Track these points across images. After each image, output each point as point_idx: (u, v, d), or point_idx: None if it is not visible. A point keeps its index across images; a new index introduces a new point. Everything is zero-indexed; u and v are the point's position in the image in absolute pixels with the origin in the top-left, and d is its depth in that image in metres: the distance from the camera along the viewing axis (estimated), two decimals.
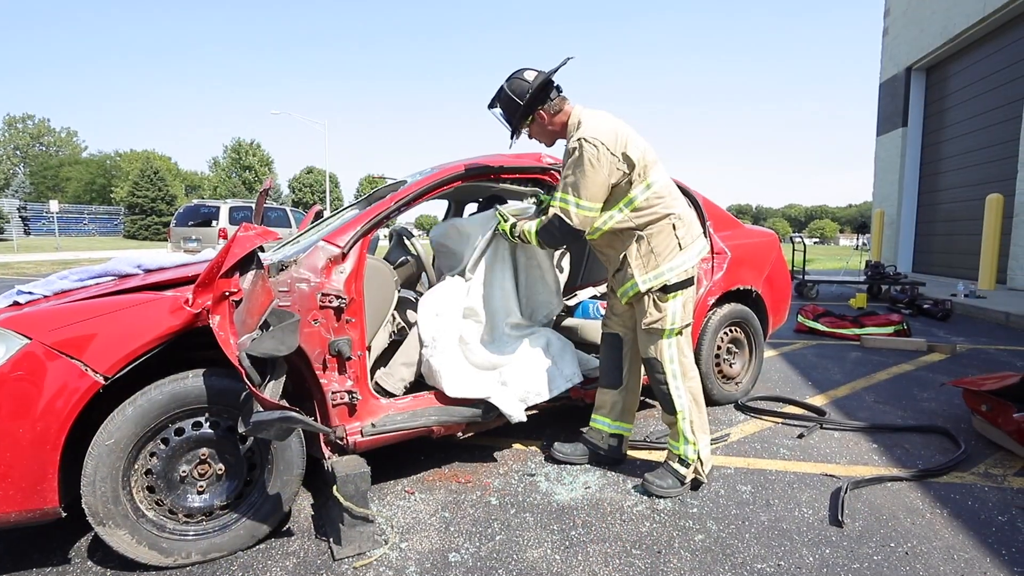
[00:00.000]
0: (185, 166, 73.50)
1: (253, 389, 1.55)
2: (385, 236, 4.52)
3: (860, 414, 3.07)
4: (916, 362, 4.30)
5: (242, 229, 1.82)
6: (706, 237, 3.03)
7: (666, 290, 2.11)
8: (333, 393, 2.04)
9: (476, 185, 2.69)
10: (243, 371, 1.58)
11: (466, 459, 2.54)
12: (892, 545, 1.82)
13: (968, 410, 2.83)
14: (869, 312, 5.78)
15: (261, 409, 1.57)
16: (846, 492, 2.11)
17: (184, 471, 1.75)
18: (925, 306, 6.56)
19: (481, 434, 2.64)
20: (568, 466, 2.44)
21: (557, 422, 2.93)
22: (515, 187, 2.70)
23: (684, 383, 2.17)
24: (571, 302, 3.15)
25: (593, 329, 2.99)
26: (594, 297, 3.22)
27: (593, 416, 2.45)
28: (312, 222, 3.47)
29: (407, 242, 2.67)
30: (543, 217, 2.16)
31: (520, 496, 2.19)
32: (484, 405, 2.33)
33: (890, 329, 5.15)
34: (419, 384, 2.45)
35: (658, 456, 2.53)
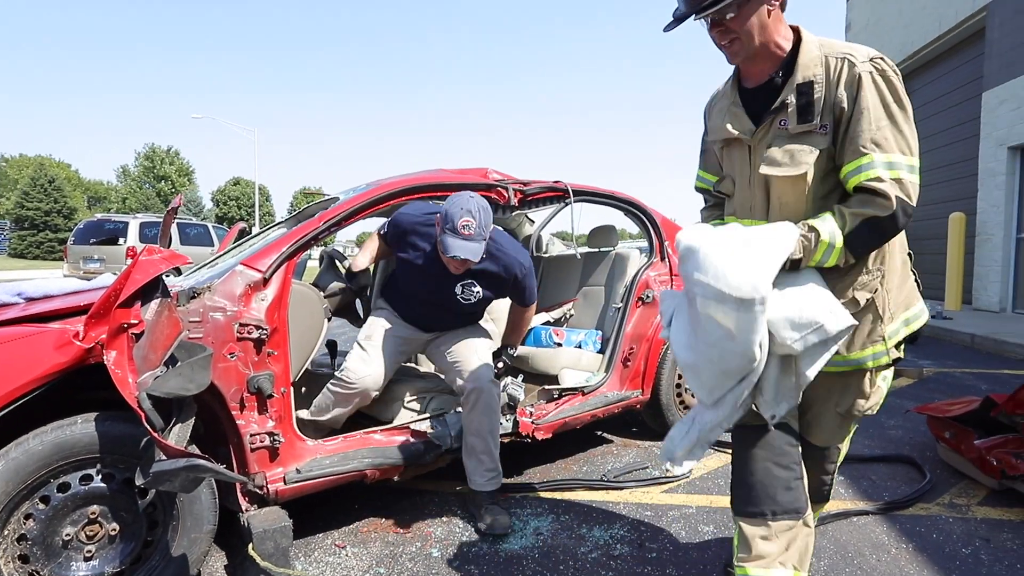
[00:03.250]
0: (88, 175, 70.52)
1: (155, 435, 1.50)
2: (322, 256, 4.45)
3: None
4: None
5: (145, 252, 1.77)
6: (664, 259, 3.14)
7: (899, 348, 1.50)
8: (252, 436, 1.98)
9: (419, 202, 2.70)
10: (143, 414, 1.52)
11: (405, 505, 2.50)
12: None
13: (933, 437, 3.00)
14: None
15: (164, 457, 1.52)
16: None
17: (68, 534, 1.65)
18: None
19: (422, 477, 2.61)
20: (518, 510, 2.44)
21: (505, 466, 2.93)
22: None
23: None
24: None
25: (545, 357, 3.03)
26: (547, 323, 3.27)
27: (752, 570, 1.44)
28: (234, 241, 3.40)
29: (339, 265, 2.65)
30: (852, 210, 1.33)
31: (465, 547, 2.17)
32: (424, 443, 2.31)
33: None
34: (351, 423, 2.42)
35: (615, 497, 2.56)
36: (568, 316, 3.42)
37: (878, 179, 1.30)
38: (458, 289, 2.41)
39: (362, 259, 2.62)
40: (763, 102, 1.46)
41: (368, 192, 2.41)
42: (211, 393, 1.90)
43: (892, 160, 1.31)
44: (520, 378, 2.64)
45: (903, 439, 3.28)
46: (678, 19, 1.40)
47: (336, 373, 2.43)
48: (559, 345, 3.09)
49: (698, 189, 1.84)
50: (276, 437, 2.01)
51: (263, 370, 2.00)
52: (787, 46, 1.43)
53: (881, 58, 1.36)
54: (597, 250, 3.50)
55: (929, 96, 11.03)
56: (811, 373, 1.34)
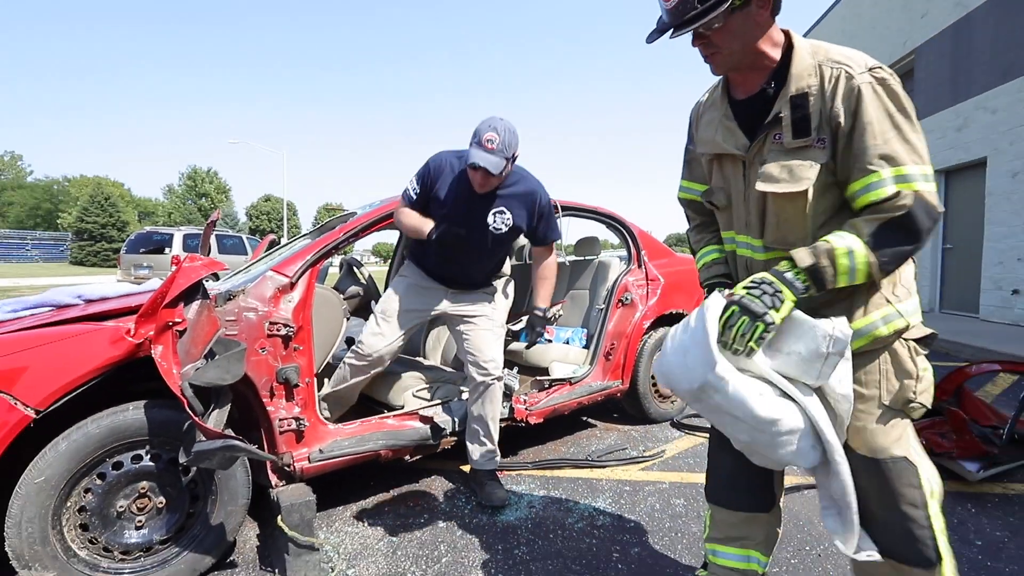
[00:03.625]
0: (139, 192, 70.23)
1: (195, 419, 1.49)
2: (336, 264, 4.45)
3: None
4: None
5: (188, 260, 1.77)
6: (641, 266, 3.15)
7: (923, 342, 1.22)
8: (280, 420, 1.98)
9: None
10: (185, 401, 1.52)
11: (415, 483, 2.49)
12: (807, 548, 1.90)
13: None
14: None
15: (204, 439, 1.51)
16: None
17: (122, 506, 1.64)
18: None
19: (429, 457, 2.61)
20: (513, 487, 2.43)
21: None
22: None
23: (938, 505, 1.19)
24: (516, 327, 3.17)
25: (537, 352, 3.03)
26: None
27: (722, 548, 1.44)
28: (265, 251, 3.39)
29: (356, 271, 2.65)
30: (865, 218, 1.11)
31: (467, 518, 2.16)
32: (432, 427, 2.31)
33: None
34: (366, 409, 2.41)
35: (598, 475, 2.56)
36: (557, 316, 3.40)
37: (892, 196, 1.07)
38: (490, 218, 2.20)
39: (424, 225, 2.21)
40: (756, 115, 1.22)
41: (381, 208, 2.41)
42: (245, 383, 1.89)
43: (906, 173, 1.08)
44: (515, 370, 2.63)
45: None
46: (661, 30, 1.18)
47: (353, 346, 2.34)
48: (549, 341, 3.09)
49: (682, 201, 1.55)
50: (302, 421, 2.01)
51: (290, 363, 1.99)
52: (777, 55, 1.19)
53: (880, 67, 1.13)
54: (582, 258, 3.51)
55: None
56: (847, 390, 1.12)
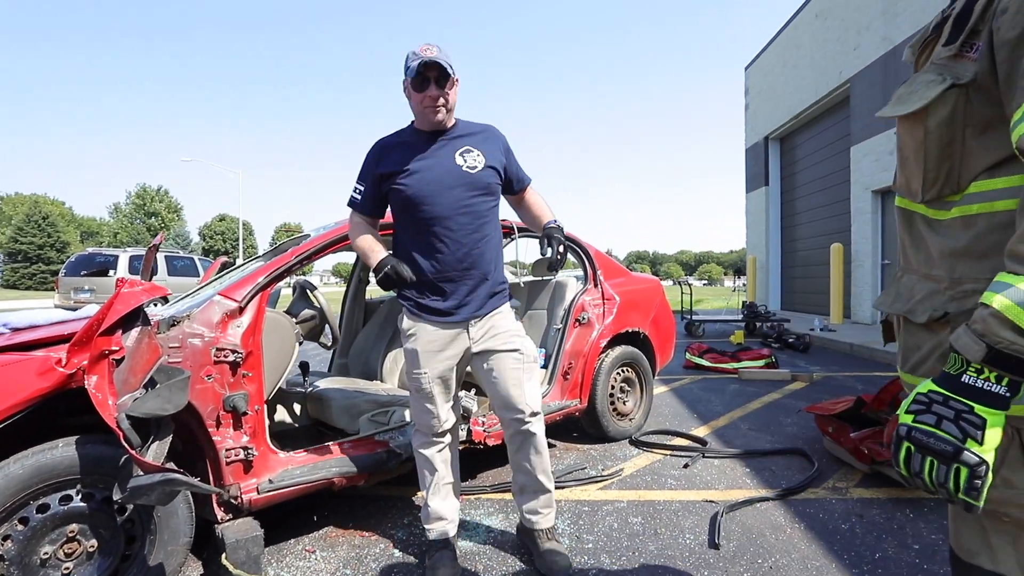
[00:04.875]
0: (82, 211, 66.87)
1: (132, 452, 1.42)
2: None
3: (736, 441, 3.30)
4: (783, 391, 4.71)
5: (127, 284, 1.70)
6: (597, 286, 3.20)
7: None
8: (227, 450, 1.90)
9: (382, 239, 2.69)
10: (121, 433, 1.44)
11: (371, 510, 2.43)
12: (759, 561, 1.95)
13: (820, 432, 3.13)
14: (745, 347, 6.29)
15: (141, 473, 1.44)
16: (722, 516, 2.24)
17: (46, 553, 1.53)
18: (790, 340, 7.24)
19: (386, 483, 2.56)
20: (472, 511, 2.41)
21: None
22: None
23: None
24: None
25: None
26: None
27: None
28: (217, 273, 3.29)
29: (310, 294, 2.60)
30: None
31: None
32: (387, 452, 2.26)
33: (762, 362, 5.62)
34: (319, 436, 2.35)
35: (557, 495, 2.56)
36: None
37: None
38: (459, 159, 1.86)
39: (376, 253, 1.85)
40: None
41: (335, 230, 2.38)
42: (189, 412, 1.82)
43: None
44: (472, 392, 2.63)
45: (797, 434, 3.41)
46: None
47: (413, 432, 2.00)
48: None
49: None
50: (250, 451, 1.94)
51: (238, 390, 1.93)
52: None
53: None
54: (540, 279, 3.55)
55: (812, 148, 11.74)
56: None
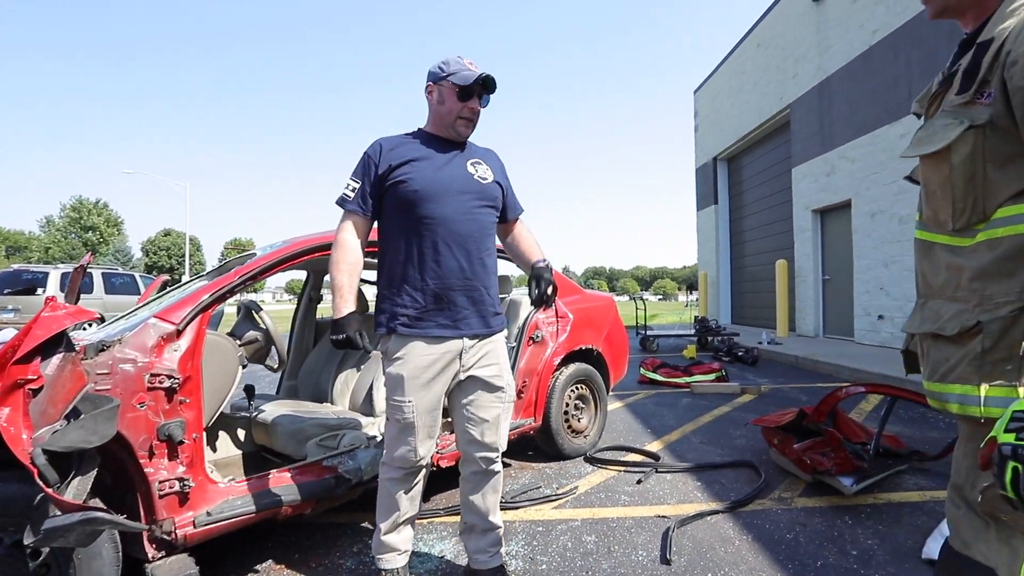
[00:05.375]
0: (8, 225, 62.62)
1: (48, 490, 1.32)
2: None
3: (688, 455, 3.37)
4: (732, 404, 4.85)
5: (49, 307, 1.59)
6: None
7: None
8: (160, 482, 1.79)
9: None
10: (35, 470, 1.34)
11: (318, 539, 2.34)
12: (709, 575, 1.98)
13: (766, 443, 3.23)
14: (697, 362, 6.47)
15: (59, 513, 1.33)
16: (673, 531, 2.28)
17: None
18: (739, 353, 7.49)
19: (335, 511, 2.47)
20: (425, 535, 2.35)
21: None
22: (369, 259, 2.68)
23: None
24: None
25: None
26: None
27: None
28: (157, 292, 3.13)
29: (255, 315, 2.51)
30: None
31: (375, 574, 2.05)
32: (335, 478, 2.19)
33: (713, 376, 5.78)
34: (263, 462, 2.25)
35: (512, 516, 2.53)
36: None
37: None
38: (470, 168, 1.81)
39: (347, 301, 1.72)
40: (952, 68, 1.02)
41: (283, 249, 2.32)
42: (118, 443, 1.71)
43: None
44: None
45: (746, 446, 3.51)
46: None
47: (383, 460, 1.84)
48: None
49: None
50: (186, 482, 1.83)
51: (174, 417, 1.83)
52: None
53: None
54: None
55: (756, 169, 12.32)
56: None
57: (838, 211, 9.00)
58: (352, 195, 1.76)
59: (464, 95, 1.74)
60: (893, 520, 2.38)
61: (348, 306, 1.70)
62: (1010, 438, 0.77)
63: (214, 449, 2.66)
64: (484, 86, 1.77)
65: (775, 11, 10.72)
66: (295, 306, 3.76)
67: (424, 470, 1.88)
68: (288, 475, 2.12)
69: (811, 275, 9.57)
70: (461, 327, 1.75)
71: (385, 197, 1.76)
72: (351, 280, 1.73)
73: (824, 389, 5.40)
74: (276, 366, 2.62)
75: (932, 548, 2.05)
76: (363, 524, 2.47)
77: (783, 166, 10.83)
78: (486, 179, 1.83)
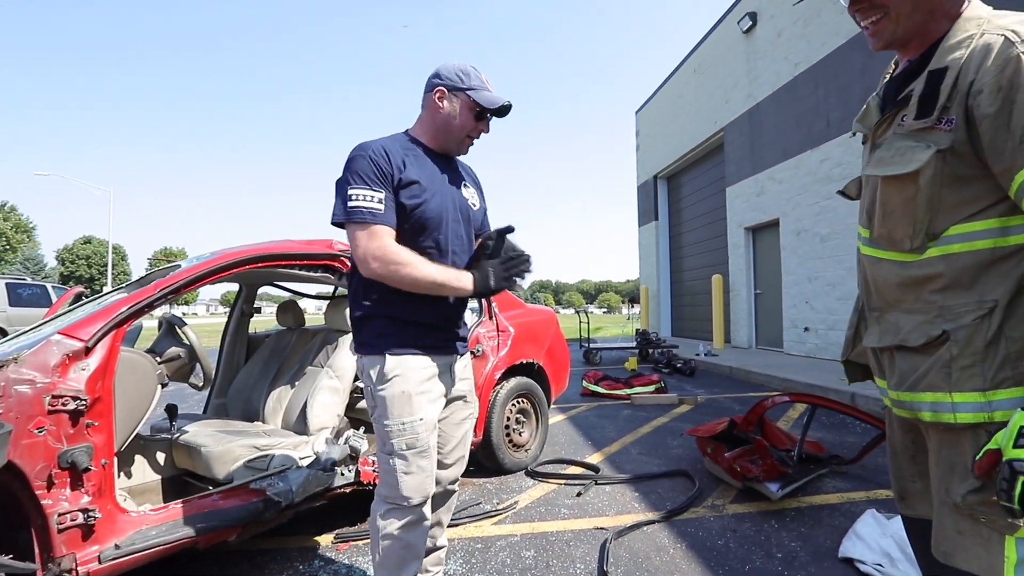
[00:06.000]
0: None
1: None
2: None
3: (627, 466, 3.44)
4: (671, 414, 5.01)
5: None
6: (492, 317, 3.24)
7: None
8: (61, 515, 1.64)
9: (267, 270, 2.53)
10: None
11: (244, 568, 2.21)
12: None
13: (701, 452, 3.35)
14: (638, 374, 6.64)
15: None
16: (611, 542, 2.31)
17: None
18: (678, 365, 7.75)
19: (263, 536, 2.35)
20: (359, 558, 2.27)
21: (349, 515, 2.74)
22: (304, 272, 2.61)
23: None
24: None
25: None
26: None
27: None
28: (68, 306, 2.90)
29: (178, 330, 2.37)
30: None
31: None
32: (264, 501, 2.08)
33: (652, 387, 5.95)
34: (185, 487, 2.12)
35: (450, 534, 2.49)
36: None
37: None
38: (465, 193, 1.71)
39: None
40: (898, 93, 1.06)
41: (211, 261, 2.21)
42: (10, 472, 1.56)
43: None
44: (362, 430, 2.52)
45: (682, 456, 3.62)
46: None
47: (383, 512, 1.57)
48: None
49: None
50: (91, 513, 1.69)
51: (80, 443, 1.69)
52: (945, 27, 1.00)
53: None
54: None
55: (694, 188, 12.90)
56: None
57: (767, 229, 9.55)
58: (382, 207, 1.49)
59: (479, 115, 1.64)
60: (814, 522, 2.52)
61: (465, 274, 1.56)
62: (1020, 453, 0.80)
63: (129, 475, 2.48)
64: (498, 112, 1.66)
65: (710, 40, 11.35)
66: (226, 319, 3.59)
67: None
68: (211, 500, 2.00)
69: (744, 289, 10.08)
70: (456, 346, 1.70)
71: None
72: (444, 268, 1.55)
73: (755, 398, 5.67)
74: (201, 384, 2.48)
75: (847, 547, 2.19)
76: (292, 548, 2.36)
77: (718, 185, 11.41)
78: (476, 206, 1.77)
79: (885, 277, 1.06)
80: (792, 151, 8.58)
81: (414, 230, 1.56)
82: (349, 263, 2.58)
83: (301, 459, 2.38)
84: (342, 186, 1.51)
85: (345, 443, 2.38)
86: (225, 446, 2.31)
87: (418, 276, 1.47)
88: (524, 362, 3.32)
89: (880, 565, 2.03)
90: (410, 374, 1.54)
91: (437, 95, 1.62)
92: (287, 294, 3.74)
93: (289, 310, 3.36)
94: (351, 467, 2.37)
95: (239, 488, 2.10)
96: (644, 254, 15.25)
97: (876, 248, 1.08)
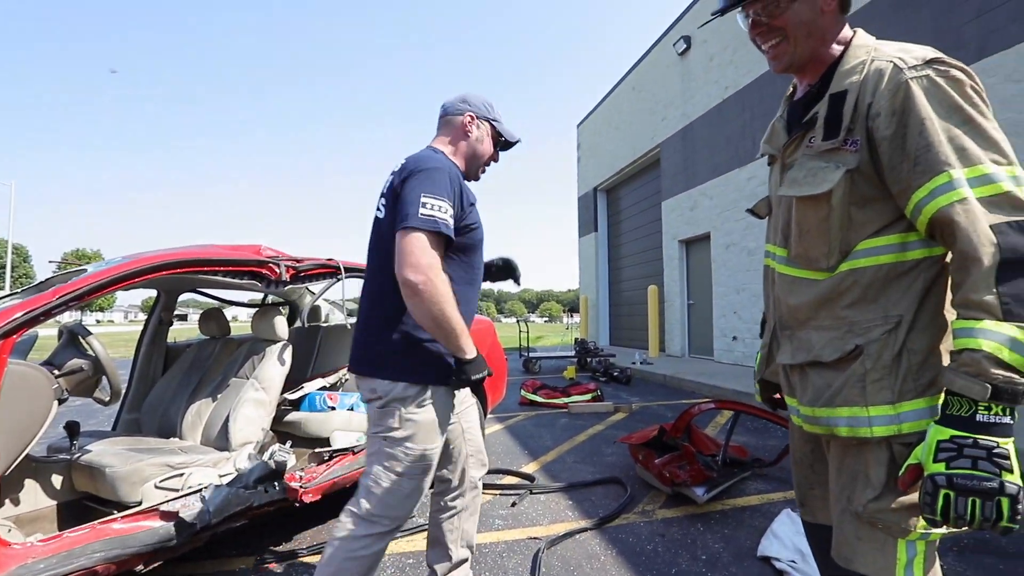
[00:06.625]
0: None
1: None
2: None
3: (562, 475, 3.48)
4: (606, 422, 5.12)
5: None
6: None
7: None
8: None
9: (187, 276, 2.38)
10: None
11: None
12: None
13: (632, 459, 3.44)
14: (576, 382, 6.75)
15: None
16: (543, 552, 2.32)
17: None
18: (615, 374, 7.95)
19: (178, 560, 2.20)
20: None
21: (273, 534, 2.61)
22: (228, 279, 2.47)
23: None
24: (295, 395, 2.94)
25: (317, 422, 2.83)
26: (323, 388, 3.07)
27: None
28: None
29: (81, 340, 2.18)
30: (966, 258, 0.87)
31: None
32: (177, 524, 1.95)
33: (589, 396, 6.07)
34: (83, 512, 1.95)
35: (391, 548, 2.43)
36: (343, 381, 3.26)
37: (961, 200, 0.86)
38: None
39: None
40: (803, 115, 1.11)
41: (122, 265, 2.05)
42: None
43: (987, 172, 0.87)
44: (288, 444, 2.41)
45: (615, 463, 3.71)
46: (721, 11, 1.13)
47: (367, 531, 1.52)
48: (333, 408, 2.92)
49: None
50: None
51: None
52: (837, 51, 1.07)
53: (941, 59, 0.94)
54: None
55: (632, 201, 13.34)
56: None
57: (700, 242, 10.02)
58: (450, 221, 1.47)
59: (499, 146, 1.79)
60: (737, 523, 2.64)
61: (472, 345, 1.51)
62: (941, 468, 0.83)
63: (16, 502, 2.25)
64: (510, 145, 1.84)
65: (648, 60, 11.83)
66: (142, 329, 3.35)
67: None
68: (114, 526, 1.85)
69: (678, 300, 10.51)
70: None
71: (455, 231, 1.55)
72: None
73: (686, 405, 5.90)
74: (108, 399, 2.28)
75: (765, 546, 2.31)
76: (208, 574, 2.22)
77: (655, 199, 11.86)
78: None
79: (801, 296, 1.08)
80: (722, 169, 9.07)
81: (464, 247, 1.60)
82: (277, 270, 2.49)
83: (221, 477, 2.25)
84: (417, 192, 1.45)
85: (270, 458, 2.28)
86: (133, 465, 2.14)
87: (446, 314, 1.41)
88: None
89: (793, 562, 2.16)
90: (442, 407, 1.57)
91: (467, 119, 1.71)
92: (217, 301, 3.54)
93: (213, 318, 3.19)
94: (276, 483, 2.26)
95: (148, 511, 1.95)
96: (584, 264, 15.60)
97: (793, 267, 1.11)
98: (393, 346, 1.52)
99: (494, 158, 1.79)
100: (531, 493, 3.12)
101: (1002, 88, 4.82)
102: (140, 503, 2.07)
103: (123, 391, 2.98)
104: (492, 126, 1.76)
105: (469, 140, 1.71)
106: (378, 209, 1.63)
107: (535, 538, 2.52)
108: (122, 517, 1.90)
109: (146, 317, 3.36)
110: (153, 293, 3.47)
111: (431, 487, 1.81)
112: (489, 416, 3.89)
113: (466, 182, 1.67)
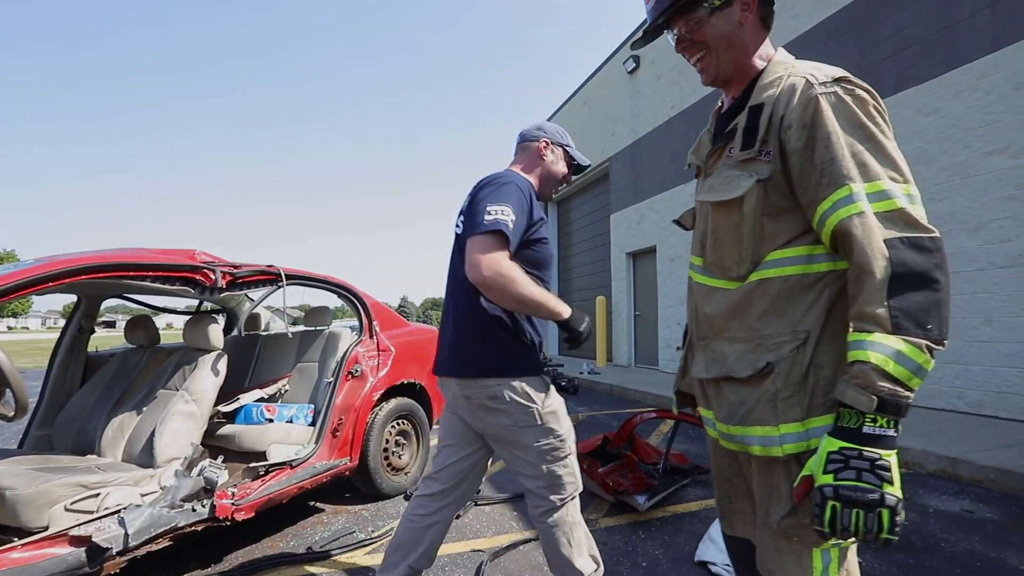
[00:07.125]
0: None
1: None
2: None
3: (508, 486, 3.47)
4: None
5: None
6: (372, 336, 3.14)
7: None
8: None
9: (111, 281, 2.23)
10: None
11: None
12: None
13: None
14: None
15: None
16: (486, 564, 2.31)
17: None
18: (562, 384, 7.96)
19: None
20: None
21: (200, 556, 2.47)
22: (158, 285, 2.34)
23: None
24: (230, 407, 2.80)
25: (253, 435, 2.71)
26: (260, 400, 2.94)
27: None
28: None
29: None
30: (863, 271, 0.89)
31: None
32: (89, 549, 1.81)
33: None
34: None
35: (320, 568, 2.34)
36: (283, 392, 3.14)
37: (859, 213, 0.89)
38: None
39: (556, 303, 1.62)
40: (725, 127, 1.14)
41: (33, 268, 1.90)
42: None
43: (884, 189, 0.90)
44: (220, 459, 2.30)
45: None
46: (648, 35, 1.18)
47: (560, 517, 1.73)
48: (271, 421, 2.80)
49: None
50: None
51: None
52: (761, 66, 1.10)
53: (848, 78, 0.98)
54: (312, 328, 3.34)
55: (581, 213, 13.61)
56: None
57: (646, 255, 10.31)
58: (511, 224, 1.53)
59: (570, 169, 1.92)
60: (676, 530, 2.71)
61: (566, 306, 1.63)
62: (829, 479, 0.84)
63: None
64: (581, 169, 1.98)
65: (598, 76, 12.15)
66: (59, 336, 3.12)
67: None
68: (13, 555, 1.70)
69: (625, 310, 10.76)
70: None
71: (520, 247, 1.62)
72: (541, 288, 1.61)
73: (630, 415, 6.02)
74: (12, 414, 2.10)
75: (702, 551, 2.38)
76: None
77: (604, 212, 12.14)
78: None
79: (715, 307, 1.10)
80: (668, 184, 9.40)
81: (537, 263, 1.69)
82: (212, 276, 2.38)
83: (143, 496, 2.11)
84: (484, 203, 1.56)
85: (199, 475, 2.15)
86: (39, 487, 1.97)
87: (525, 292, 1.50)
88: (406, 382, 3.25)
89: (728, 566, 2.23)
90: (551, 391, 1.75)
91: (543, 144, 1.85)
92: (149, 308, 3.34)
93: (140, 326, 3.00)
94: (205, 502, 2.15)
95: (54, 536, 1.80)
96: None
97: (708, 276, 1.13)
98: (502, 349, 1.66)
99: (567, 179, 1.92)
100: (476, 505, 3.09)
101: (913, 120, 5.24)
102: (46, 528, 1.91)
103: (31, 405, 2.75)
104: (565, 151, 1.90)
105: (544, 163, 1.86)
106: (457, 225, 1.77)
107: (478, 551, 2.50)
108: (23, 545, 1.74)
109: (64, 324, 3.13)
110: (73, 298, 3.24)
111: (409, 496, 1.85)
112: (435, 427, 3.84)
113: (537, 201, 1.77)
